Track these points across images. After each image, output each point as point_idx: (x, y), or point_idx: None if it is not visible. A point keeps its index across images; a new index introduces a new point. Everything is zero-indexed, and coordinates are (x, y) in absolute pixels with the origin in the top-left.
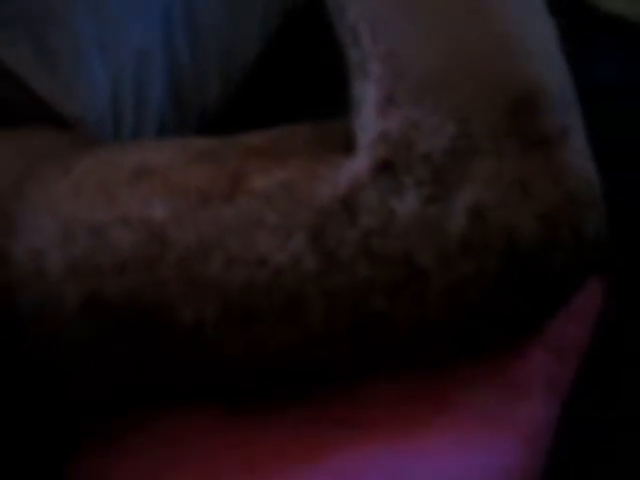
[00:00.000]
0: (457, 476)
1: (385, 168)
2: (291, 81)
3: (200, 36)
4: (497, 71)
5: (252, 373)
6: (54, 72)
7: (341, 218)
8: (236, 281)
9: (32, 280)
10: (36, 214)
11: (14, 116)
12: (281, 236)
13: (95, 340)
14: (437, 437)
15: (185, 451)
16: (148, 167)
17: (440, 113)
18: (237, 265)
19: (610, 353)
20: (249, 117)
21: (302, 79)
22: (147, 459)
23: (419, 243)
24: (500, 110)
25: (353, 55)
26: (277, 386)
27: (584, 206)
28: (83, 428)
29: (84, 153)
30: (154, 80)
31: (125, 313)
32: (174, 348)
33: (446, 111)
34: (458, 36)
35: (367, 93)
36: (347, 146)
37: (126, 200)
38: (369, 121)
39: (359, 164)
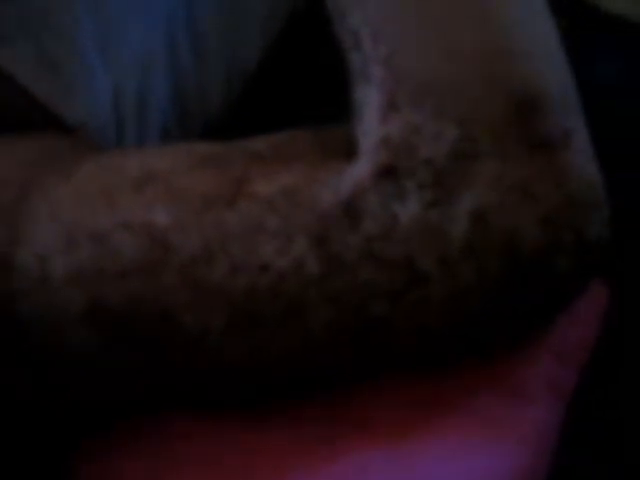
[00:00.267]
0: (459, 479)
1: (387, 173)
2: (293, 86)
3: (202, 42)
4: (498, 74)
5: (254, 378)
6: (54, 76)
7: (343, 223)
8: (240, 287)
9: (35, 287)
10: (38, 220)
11: (15, 121)
12: (283, 241)
13: (97, 346)
14: (439, 440)
15: (185, 453)
16: (150, 172)
17: (441, 117)
18: (240, 271)
19: (613, 355)
20: (252, 122)
21: (304, 84)
22: (147, 461)
23: (421, 248)
24: (502, 113)
25: (354, 60)
26: (279, 390)
27: (586, 208)
28: (83, 428)
29: (85, 158)
30: (157, 85)
31: (128, 318)
32: (176, 354)
33: (447, 115)
34: (459, 39)
35: (369, 97)
36: (349, 151)
37: (129, 205)
38: (371, 126)
39: (361, 169)
